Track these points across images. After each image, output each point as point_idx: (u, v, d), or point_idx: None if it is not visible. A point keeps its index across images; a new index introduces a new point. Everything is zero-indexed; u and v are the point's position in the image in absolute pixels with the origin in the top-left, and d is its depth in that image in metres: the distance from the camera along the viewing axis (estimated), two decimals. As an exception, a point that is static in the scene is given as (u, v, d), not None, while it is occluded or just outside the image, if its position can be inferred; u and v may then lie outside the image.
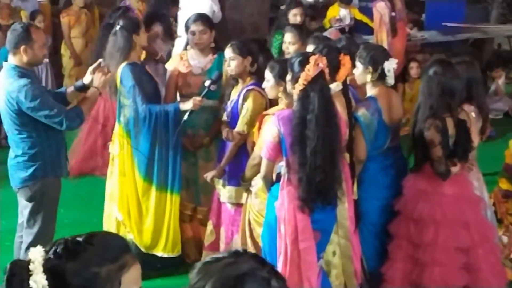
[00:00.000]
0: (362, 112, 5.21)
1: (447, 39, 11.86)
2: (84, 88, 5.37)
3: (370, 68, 5.27)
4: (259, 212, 5.14)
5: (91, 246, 2.21)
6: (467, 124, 5.18)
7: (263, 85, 5.04)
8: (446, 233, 5.12)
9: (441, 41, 11.86)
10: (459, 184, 5.21)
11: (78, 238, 2.23)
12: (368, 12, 11.13)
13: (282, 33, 6.80)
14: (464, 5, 12.52)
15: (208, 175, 5.59)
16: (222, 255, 2.12)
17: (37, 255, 2.17)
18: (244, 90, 5.47)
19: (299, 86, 4.42)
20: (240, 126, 5.44)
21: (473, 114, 5.40)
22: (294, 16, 7.74)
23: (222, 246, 5.67)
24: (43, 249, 2.19)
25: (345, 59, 4.96)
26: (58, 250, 2.19)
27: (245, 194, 5.37)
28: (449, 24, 11.77)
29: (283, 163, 4.57)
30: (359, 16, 11.53)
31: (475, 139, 5.34)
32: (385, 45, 8.87)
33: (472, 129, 5.23)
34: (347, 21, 11.48)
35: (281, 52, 6.78)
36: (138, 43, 5.86)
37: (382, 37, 10.32)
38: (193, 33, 5.98)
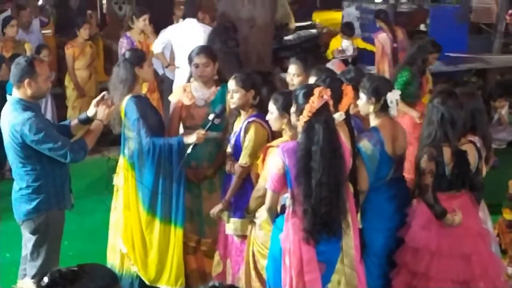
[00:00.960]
0: (363, 143, 5.20)
1: (449, 69, 11.88)
2: (88, 120, 5.39)
3: (373, 99, 5.29)
4: (263, 244, 5.12)
5: (86, 275, 2.27)
6: (466, 155, 5.16)
7: (267, 117, 5.04)
8: (441, 264, 5.10)
9: (443, 71, 11.88)
10: (464, 216, 5.18)
11: (72, 268, 2.28)
12: (371, 42, 11.20)
13: (409, 70, 6.86)
14: (466, 35, 12.56)
15: (214, 210, 5.59)
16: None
17: (28, 285, 2.18)
18: (246, 122, 5.49)
19: (304, 118, 4.43)
20: (243, 159, 5.45)
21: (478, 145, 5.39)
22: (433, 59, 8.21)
23: (229, 278, 5.65)
24: (32, 280, 2.20)
25: (348, 89, 4.96)
26: (53, 278, 2.23)
27: (250, 226, 5.35)
28: (451, 54, 11.80)
29: (288, 195, 4.57)
30: (362, 45, 11.62)
31: (483, 170, 5.33)
32: (387, 76, 8.88)
33: (472, 158, 5.20)
34: (350, 52, 11.57)
35: (405, 87, 6.86)
36: (141, 76, 5.88)
37: (384, 68, 10.39)
38: (197, 66, 6.00)
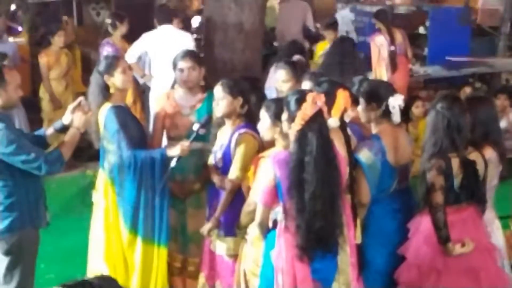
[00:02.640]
0: (363, 153, 5.15)
1: (451, 74, 11.91)
2: (64, 128, 5.33)
3: (374, 105, 5.25)
4: (255, 262, 5.03)
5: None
6: (475, 165, 5.12)
7: (258, 126, 5.00)
8: (448, 282, 5.06)
9: (445, 76, 11.90)
10: (470, 231, 5.15)
11: (90, 280, 2.43)
12: (365, 47, 11.19)
13: None
14: (469, 38, 12.58)
15: (204, 229, 5.52)
16: None
17: None
18: (236, 134, 5.42)
19: (296, 126, 4.39)
20: (234, 173, 5.39)
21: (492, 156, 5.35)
22: None
23: (220, 300, 5.59)
24: None
25: (341, 94, 4.91)
26: None
27: (241, 243, 5.30)
28: (453, 59, 11.83)
29: (279, 209, 4.53)
30: None
31: (493, 181, 5.29)
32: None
33: (480, 169, 5.17)
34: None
35: None
36: (114, 84, 5.77)
37: (381, 73, 10.39)
38: (182, 70, 5.95)
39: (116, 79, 5.78)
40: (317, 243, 4.43)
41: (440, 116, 5.06)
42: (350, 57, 8.58)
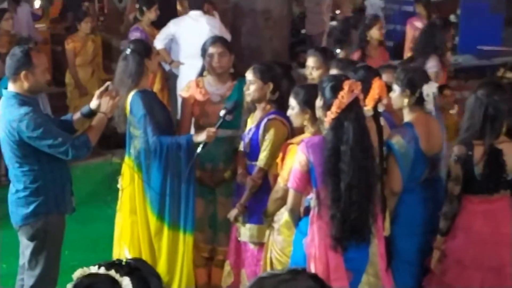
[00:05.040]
0: (397, 140, 5.08)
1: (482, 64, 11.77)
2: (92, 113, 5.31)
3: (408, 91, 5.17)
4: (282, 250, 5.02)
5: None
6: (502, 154, 4.97)
7: (288, 113, 4.95)
8: (467, 275, 4.99)
9: (475, 66, 11.76)
10: (496, 224, 5.04)
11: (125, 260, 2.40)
12: (396, 35, 11.08)
13: None
14: (501, 26, 12.44)
15: (231, 215, 5.49)
16: (279, 272, 2.15)
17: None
18: (265, 120, 5.37)
19: (332, 114, 4.30)
20: (262, 161, 5.35)
21: None
22: None
23: (243, 290, 5.55)
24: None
25: (377, 83, 4.83)
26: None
27: (267, 232, 5.24)
28: (484, 48, 11.68)
29: (312, 195, 4.46)
30: None
31: None
32: None
33: (509, 159, 5.00)
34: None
35: None
36: (150, 68, 5.80)
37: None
38: (211, 56, 5.88)
39: (154, 63, 5.85)
40: (351, 233, 4.37)
41: (478, 102, 4.96)
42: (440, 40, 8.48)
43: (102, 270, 2.30)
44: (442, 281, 5.08)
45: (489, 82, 5.21)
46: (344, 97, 4.28)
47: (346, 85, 4.31)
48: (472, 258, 4.99)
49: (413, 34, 10.21)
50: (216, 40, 5.99)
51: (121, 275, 2.29)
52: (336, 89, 4.33)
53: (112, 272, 2.29)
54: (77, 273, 2.33)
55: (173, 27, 9.00)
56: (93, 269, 2.31)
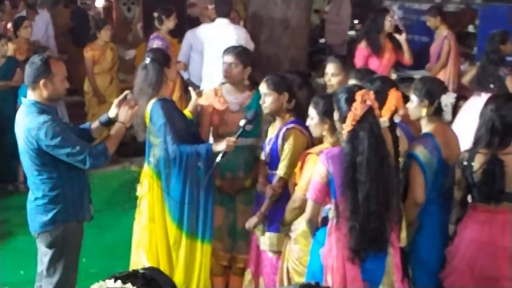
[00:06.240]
0: (420, 150, 5.06)
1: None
2: (110, 122, 5.32)
3: (426, 102, 5.15)
4: (298, 260, 5.03)
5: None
6: (503, 164, 4.92)
7: (307, 123, 4.95)
8: (465, 282, 4.97)
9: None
10: (496, 233, 4.99)
11: (140, 271, 2.33)
12: (415, 45, 11.00)
13: None
14: (519, 36, 12.34)
15: (250, 224, 5.50)
16: (292, 287, 2.15)
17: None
18: (284, 129, 5.38)
19: (348, 127, 4.30)
20: (282, 170, 5.35)
21: None
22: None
23: (262, 297, 5.54)
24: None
25: (393, 94, 4.82)
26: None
27: (285, 240, 5.24)
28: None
29: (330, 206, 4.45)
30: None
31: None
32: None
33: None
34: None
35: None
36: (169, 76, 5.81)
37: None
38: (224, 64, 5.95)
39: (172, 71, 5.88)
40: (370, 243, 4.36)
41: (487, 116, 4.98)
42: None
43: (119, 284, 2.24)
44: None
45: (499, 95, 5.23)
46: (357, 109, 4.28)
47: (358, 96, 4.31)
48: (467, 265, 4.98)
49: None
50: (231, 50, 6.02)
51: None
52: (349, 101, 4.32)
53: (129, 286, 2.24)
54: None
55: (191, 37, 9.01)
56: (109, 282, 2.25)
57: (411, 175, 5.04)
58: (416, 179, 5.05)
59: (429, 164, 5.06)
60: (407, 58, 8.73)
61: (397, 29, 8.75)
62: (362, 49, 8.52)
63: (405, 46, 8.67)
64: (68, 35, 13.25)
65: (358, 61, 8.31)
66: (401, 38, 8.62)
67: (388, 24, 8.53)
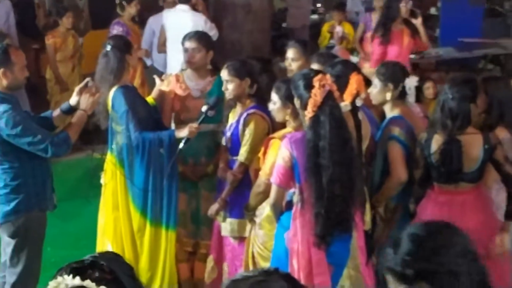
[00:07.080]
0: (398, 132, 5.12)
1: (463, 56, 11.80)
2: (72, 110, 5.29)
3: (391, 86, 5.18)
4: (263, 244, 5.03)
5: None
6: (460, 145, 4.95)
7: (270, 108, 4.94)
8: None
9: (457, 58, 11.79)
10: (463, 216, 4.93)
11: (98, 260, 2.31)
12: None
13: None
14: (481, 18, 12.45)
15: (212, 210, 5.50)
16: (252, 274, 2.17)
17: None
18: (245, 115, 5.38)
19: (309, 113, 4.30)
20: (243, 155, 5.35)
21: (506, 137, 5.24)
22: None
23: (225, 283, 5.53)
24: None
25: (355, 78, 4.83)
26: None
27: (248, 226, 5.26)
28: (465, 40, 11.71)
29: (294, 190, 4.46)
30: (349, 30, 11.26)
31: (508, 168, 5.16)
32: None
33: (472, 150, 5.01)
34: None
35: None
36: (130, 63, 5.78)
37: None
38: (186, 50, 5.94)
39: (134, 58, 5.86)
40: (335, 227, 4.36)
41: (441, 98, 5.02)
42: None
43: (77, 281, 2.21)
44: None
45: (454, 79, 5.21)
46: (317, 95, 4.26)
47: (316, 81, 4.30)
48: None
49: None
50: (193, 35, 6.01)
51: (98, 285, 2.22)
52: (308, 87, 4.32)
53: (88, 283, 2.21)
54: (52, 285, 2.24)
55: (154, 24, 8.99)
56: (68, 279, 2.21)
57: (392, 156, 5.09)
58: (398, 159, 5.09)
59: (408, 144, 5.12)
60: (424, 41, 8.76)
61: (413, 14, 8.76)
62: (379, 37, 8.46)
63: (421, 30, 8.68)
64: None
65: (376, 50, 8.34)
66: (417, 22, 8.62)
67: (403, 9, 8.53)
